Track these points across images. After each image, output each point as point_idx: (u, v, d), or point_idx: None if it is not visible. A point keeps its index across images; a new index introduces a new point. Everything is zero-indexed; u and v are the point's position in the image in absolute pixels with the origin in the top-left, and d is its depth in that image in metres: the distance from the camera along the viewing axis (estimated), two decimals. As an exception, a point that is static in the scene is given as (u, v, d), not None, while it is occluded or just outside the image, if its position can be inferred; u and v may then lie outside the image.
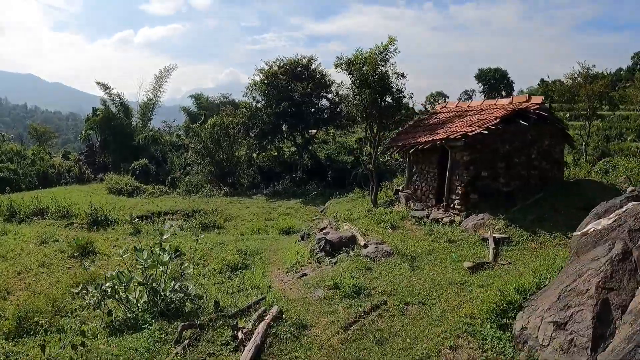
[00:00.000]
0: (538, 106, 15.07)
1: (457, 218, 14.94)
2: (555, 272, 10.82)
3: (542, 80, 49.16)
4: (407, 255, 12.70)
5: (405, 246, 13.38)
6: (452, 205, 15.33)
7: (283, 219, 23.56)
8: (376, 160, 19.71)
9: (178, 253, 14.88)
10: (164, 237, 10.59)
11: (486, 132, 14.15)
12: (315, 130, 35.84)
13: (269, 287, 12.31)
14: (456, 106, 18.35)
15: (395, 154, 35.31)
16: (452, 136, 14.53)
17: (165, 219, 23.55)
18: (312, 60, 32.90)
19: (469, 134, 14.29)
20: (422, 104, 45.58)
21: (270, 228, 21.43)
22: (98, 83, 44.76)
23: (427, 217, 15.73)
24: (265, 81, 30.91)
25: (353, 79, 18.90)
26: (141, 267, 9.46)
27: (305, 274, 13.07)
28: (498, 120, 14.52)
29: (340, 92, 35.44)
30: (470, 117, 15.99)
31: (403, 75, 18.79)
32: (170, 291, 9.83)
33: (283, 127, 32.57)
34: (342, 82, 19.81)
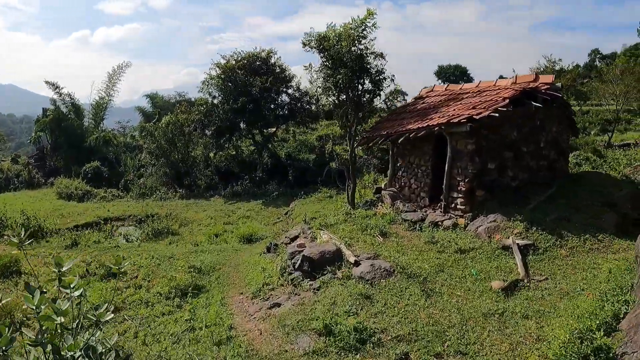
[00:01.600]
0: (548, 86, 12.07)
1: (461, 221, 11.72)
2: (617, 289, 7.83)
3: (501, 77, 47.47)
4: (413, 274, 9.32)
5: (406, 260, 9.99)
6: (452, 205, 12.09)
7: (243, 222, 21.11)
8: (353, 153, 16.25)
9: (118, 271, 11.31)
10: (65, 267, 6.60)
11: (496, 115, 10.99)
12: (275, 128, 33.38)
13: (230, 328, 8.59)
14: (446, 89, 15.20)
15: (359, 150, 32.11)
16: (455, 120, 11.28)
17: (115, 226, 21.22)
18: (271, 54, 30.42)
19: (474, 117, 11.06)
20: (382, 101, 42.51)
21: (230, 234, 18.81)
22: (47, 82, 40.46)
23: (423, 220, 12.43)
24: (222, 76, 28.48)
25: (325, 59, 15.35)
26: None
27: (278, 304, 9.45)
28: (507, 101, 11.39)
29: (301, 87, 32.41)
30: (469, 100, 12.84)
31: (382, 56, 15.44)
32: (80, 352, 5.89)
33: (241, 125, 30.21)
34: (310, 64, 16.15)
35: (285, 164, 31.10)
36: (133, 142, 42.97)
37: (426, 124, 12.21)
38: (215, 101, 29.66)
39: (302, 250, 11.63)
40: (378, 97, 15.88)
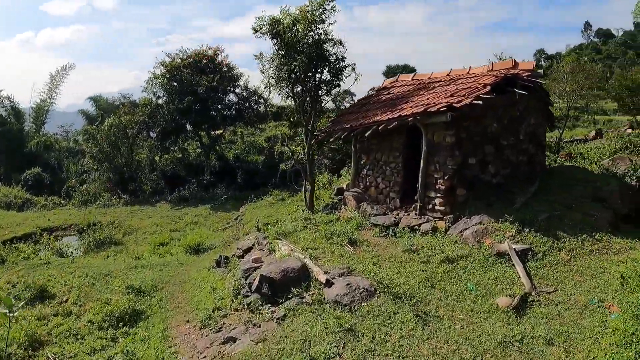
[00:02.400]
0: (529, 73, 10.72)
1: (441, 224, 10.05)
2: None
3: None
4: (399, 293, 7.49)
5: (387, 276, 8.14)
6: (429, 206, 10.41)
7: (191, 229, 19.66)
8: (311, 151, 14.26)
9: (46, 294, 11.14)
10: None
11: (480, 103, 9.42)
12: (222, 129, 31.65)
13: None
14: (412, 79, 13.59)
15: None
16: (433, 109, 9.58)
17: (55, 237, 19.49)
18: (218, 52, 28.75)
19: (454, 105, 9.43)
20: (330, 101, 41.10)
21: (177, 242, 17.39)
22: None
23: (396, 224, 10.66)
24: (167, 75, 26.95)
25: (278, 45, 13.31)
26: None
27: (234, 339, 7.29)
28: (488, 88, 9.88)
29: (249, 86, 30.18)
30: (443, 88, 11.27)
31: (341, 43, 13.61)
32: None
33: (187, 126, 28.82)
34: (261, 52, 14.09)
35: (233, 166, 29.61)
36: (76, 146, 40.74)
37: (397, 115, 10.46)
38: (160, 101, 27.97)
39: (258, 267, 9.48)
40: (338, 88, 14.01)
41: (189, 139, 30.89)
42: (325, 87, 14.36)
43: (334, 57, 13.64)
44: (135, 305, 10.04)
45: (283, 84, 14.36)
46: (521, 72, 10.82)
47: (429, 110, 9.76)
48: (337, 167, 26.84)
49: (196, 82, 26.43)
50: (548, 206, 10.10)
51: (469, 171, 10.29)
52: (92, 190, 28.37)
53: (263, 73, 14.71)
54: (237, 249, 12.51)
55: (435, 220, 10.29)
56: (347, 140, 14.32)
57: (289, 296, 7.69)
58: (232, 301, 9.17)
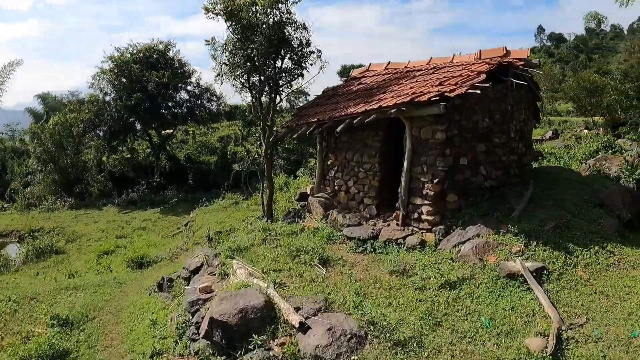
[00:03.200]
0: (523, 63, 9.20)
1: (430, 237, 8.27)
2: None
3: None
4: (399, 338, 5.49)
5: (378, 312, 6.17)
6: (414, 215, 8.60)
7: (139, 235, 18.30)
8: (269, 150, 12.10)
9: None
10: None
11: (478, 92, 7.73)
12: (173, 129, 30.24)
13: None
14: (387, 68, 11.76)
15: (262, 151, 28.62)
16: (422, 98, 7.76)
17: None
18: (169, 47, 27.44)
19: (447, 94, 7.67)
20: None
21: (123, 249, 15.95)
22: None
23: (375, 237, 8.77)
24: (116, 70, 25.41)
25: (234, 27, 11.12)
26: None
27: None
28: (484, 76, 8.23)
29: (201, 83, 28.32)
30: (428, 77, 9.53)
31: (304, 27, 11.58)
32: None
33: (136, 124, 27.41)
34: (213, 37, 11.89)
35: (185, 167, 28.14)
36: (22, 146, 38.36)
37: (377, 106, 8.54)
38: (108, 98, 26.33)
39: (208, 299, 7.27)
40: (301, 78, 11.98)
41: (138, 138, 29.15)
42: (286, 77, 12.29)
43: (297, 41, 11.59)
44: (59, 343, 8.35)
45: (238, 73, 12.15)
46: (514, 60, 9.26)
47: (417, 100, 7.93)
48: (292, 168, 24.88)
49: (146, 78, 24.94)
50: (549, 213, 8.59)
51: (460, 174, 8.57)
52: (37, 193, 26.86)
53: (214, 59, 12.43)
54: (184, 268, 10.18)
55: (422, 232, 8.49)
56: (310, 137, 12.36)
57: (250, 347, 5.55)
58: (176, 343, 7.00)
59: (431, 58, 10.62)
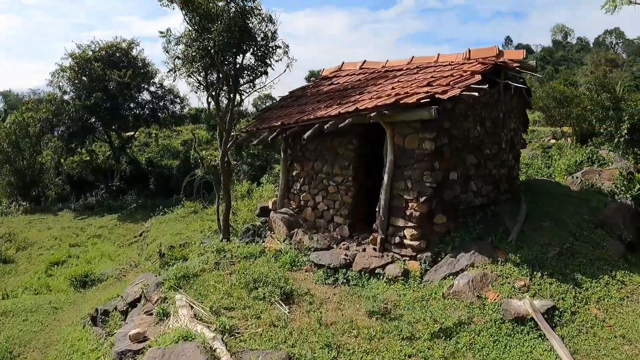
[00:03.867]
0: (518, 65, 7.95)
1: (414, 265, 6.84)
2: None
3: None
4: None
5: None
6: (395, 239, 7.14)
7: (93, 244, 17.15)
8: (226, 157, 10.35)
9: None
10: None
11: (476, 94, 6.39)
12: (134, 131, 28.93)
13: None
14: (362, 67, 10.27)
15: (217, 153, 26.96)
16: (409, 100, 6.32)
17: None
18: (133, 45, 26.22)
19: (439, 96, 6.26)
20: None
21: (75, 260, 14.99)
22: None
23: (348, 265, 7.25)
24: (76, 68, 24.02)
25: (190, 17, 9.39)
26: None
27: None
28: (479, 77, 6.90)
29: (165, 83, 26.58)
30: (411, 77, 8.12)
31: (271, 20, 9.97)
32: None
33: (96, 125, 25.97)
34: (168, 29, 10.17)
35: (146, 171, 26.59)
36: None
37: (353, 108, 7.02)
38: (67, 97, 24.88)
39: (138, 351, 5.51)
40: (265, 76, 10.33)
41: (97, 140, 27.89)
42: (248, 75, 10.62)
43: (262, 34, 9.96)
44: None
45: (193, 68, 10.38)
46: (510, 62, 7.99)
47: (402, 101, 6.47)
48: (257, 174, 23.17)
49: (107, 77, 23.78)
50: (549, 236, 7.34)
51: (450, 190, 7.18)
52: (-9, 196, 25.24)
53: (167, 52, 10.63)
54: (121, 297, 8.32)
55: (405, 260, 7.03)
56: (273, 143, 10.77)
57: None
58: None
59: (413, 57, 9.23)
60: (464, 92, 6.45)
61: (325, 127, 7.28)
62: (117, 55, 25.70)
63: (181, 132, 34.58)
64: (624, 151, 13.69)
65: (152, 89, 27.07)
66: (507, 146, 8.72)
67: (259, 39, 10.06)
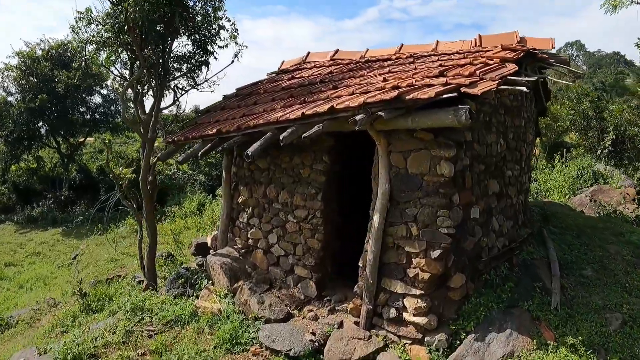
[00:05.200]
0: (549, 57, 5.40)
1: (420, 353, 4.05)
2: None
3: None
4: None
5: None
6: (391, 311, 4.31)
7: (30, 262, 14.45)
8: (152, 171, 7.16)
9: None
10: None
11: (524, 90, 3.65)
12: (84, 137, 25.66)
13: None
14: (333, 58, 7.40)
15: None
16: (423, 94, 3.53)
17: None
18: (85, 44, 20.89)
19: (466, 89, 3.49)
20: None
21: (7, 283, 12.19)
22: None
23: (317, 351, 4.31)
24: (23, 67, 21.25)
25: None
26: None
27: None
28: (515, 67, 4.21)
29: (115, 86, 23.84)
30: (407, 67, 5.32)
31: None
32: None
33: (42, 130, 23.25)
34: (88, 7, 7.23)
35: (97, 180, 23.63)
36: None
37: (327, 108, 4.15)
38: (12, 99, 21.94)
39: None
40: (205, 68, 7.34)
41: (44, 145, 24.75)
42: (182, 66, 7.60)
43: (202, 11, 6.96)
44: None
45: (105, 55, 7.27)
46: (537, 51, 5.40)
47: (411, 96, 3.68)
48: (214, 185, 19.88)
49: (57, 78, 21.06)
50: (598, 293, 4.79)
51: (470, 236, 4.45)
52: None
53: (75, 34, 7.42)
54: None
55: (405, 345, 4.22)
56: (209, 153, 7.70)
57: None
58: None
59: (402, 45, 6.48)
60: (506, 86, 3.76)
61: (282, 136, 4.36)
62: (69, 54, 22.83)
63: (138, 139, 31.47)
64: (606, 163, 11.68)
65: (105, 91, 24.39)
66: (525, 165, 6.14)
67: (197, 18, 7.04)
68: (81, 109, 24.30)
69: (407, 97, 3.69)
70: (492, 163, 4.89)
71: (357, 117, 3.76)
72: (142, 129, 7.38)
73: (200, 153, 5.53)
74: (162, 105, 7.96)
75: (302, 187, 5.34)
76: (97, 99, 24.61)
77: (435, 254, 4.09)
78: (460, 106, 3.57)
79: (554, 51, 5.88)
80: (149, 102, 7.65)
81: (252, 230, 6.05)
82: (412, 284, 4.25)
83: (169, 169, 21.86)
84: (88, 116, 24.64)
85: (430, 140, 4.05)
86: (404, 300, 4.29)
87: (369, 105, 3.81)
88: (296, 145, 5.17)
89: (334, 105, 4.12)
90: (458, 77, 4.15)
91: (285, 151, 5.41)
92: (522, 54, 4.85)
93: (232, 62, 7.71)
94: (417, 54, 5.89)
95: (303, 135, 4.07)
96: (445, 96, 3.59)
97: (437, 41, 6.19)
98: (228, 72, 10.87)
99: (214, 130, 5.33)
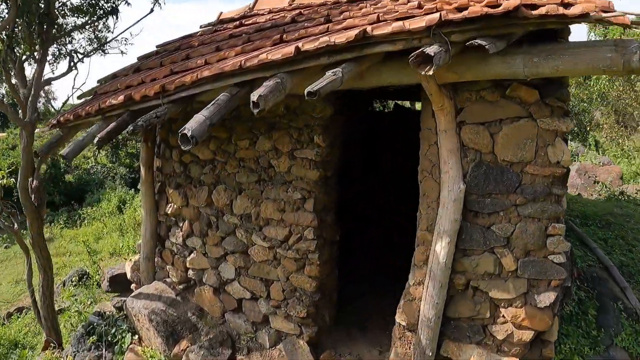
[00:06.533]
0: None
1: None
2: None
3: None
4: None
5: None
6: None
7: None
8: (36, 171, 4.40)
9: None
10: None
11: None
12: None
13: None
14: (292, 2, 5.19)
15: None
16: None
17: None
18: None
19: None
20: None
21: None
22: None
23: None
24: None
25: None
26: None
27: None
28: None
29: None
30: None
31: None
32: None
33: None
34: None
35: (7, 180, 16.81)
36: None
37: (395, 27, 1.99)
38: None
39: None
40: (113, 18, 4.75)
41: None
42: (78, 17, 4.89)
43: None
44: None
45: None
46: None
47: (556, 11, 1.64)
48: (135, 179, 16.39)
49: None
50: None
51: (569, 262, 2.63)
52: None
53: None
54: None
55: None
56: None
57: None
58: None
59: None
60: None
61: (256, 96, 2.04)
62: None
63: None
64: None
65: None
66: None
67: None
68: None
69: (534, 12, 1.67)
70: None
71: (430, 49, 1.68)
72: (19, 110, 4.58)
73: (98, 138, 2.99)
74: (53, 74, 5.23)
75: (277, 190, 3.15)
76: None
77: (543, 298, 2.22)
78: (626, 39, 1.67)
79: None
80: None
81: (193, 255, 3.72)
82: (498, 349, 2.35)
83: (86, 162, 17.65)
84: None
85: (536, 103, 2.11)
86: (484, 377, 2.40)
87: (454, 23, 1.74)
88: (262, 119, 2.97)
89: (368, 29, 1.97)
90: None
91: (242, 130, 3.17)
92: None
93: (152, 10, 5.12)
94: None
95: (307, 90, 1.85)
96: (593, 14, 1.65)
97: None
98: (148, 30, 8.05)
99: (121, 97, 2.88)
